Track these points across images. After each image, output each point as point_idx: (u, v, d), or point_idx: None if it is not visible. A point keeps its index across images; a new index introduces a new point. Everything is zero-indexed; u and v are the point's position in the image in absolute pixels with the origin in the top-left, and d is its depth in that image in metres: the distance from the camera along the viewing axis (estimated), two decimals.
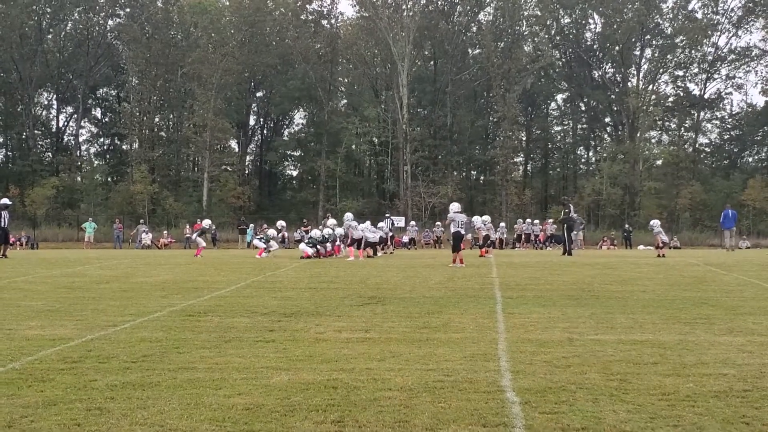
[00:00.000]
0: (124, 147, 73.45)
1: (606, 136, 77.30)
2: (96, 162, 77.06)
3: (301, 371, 8.54)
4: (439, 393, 7.55)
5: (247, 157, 78.41)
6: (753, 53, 71.12)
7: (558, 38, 73.87)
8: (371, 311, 13.66)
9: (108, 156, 77.75)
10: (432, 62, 73.14)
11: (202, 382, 8.03)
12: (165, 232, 53.42)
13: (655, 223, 30.87)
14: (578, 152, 79.52)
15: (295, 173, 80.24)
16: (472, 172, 77.16)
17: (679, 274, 21.05)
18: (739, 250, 42.49)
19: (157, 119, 72.37)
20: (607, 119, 76.26)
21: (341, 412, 6.87)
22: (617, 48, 70.56)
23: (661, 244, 30.26)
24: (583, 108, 76.83)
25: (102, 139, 78.62)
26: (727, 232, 41.82)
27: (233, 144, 74.45)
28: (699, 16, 69.65)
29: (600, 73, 74.35)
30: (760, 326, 11.91)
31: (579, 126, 78.04)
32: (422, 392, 7.58)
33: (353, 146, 71.81)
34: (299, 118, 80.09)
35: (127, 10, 70.66)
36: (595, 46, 74.35)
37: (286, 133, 79.84)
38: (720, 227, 43.74)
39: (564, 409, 6.94)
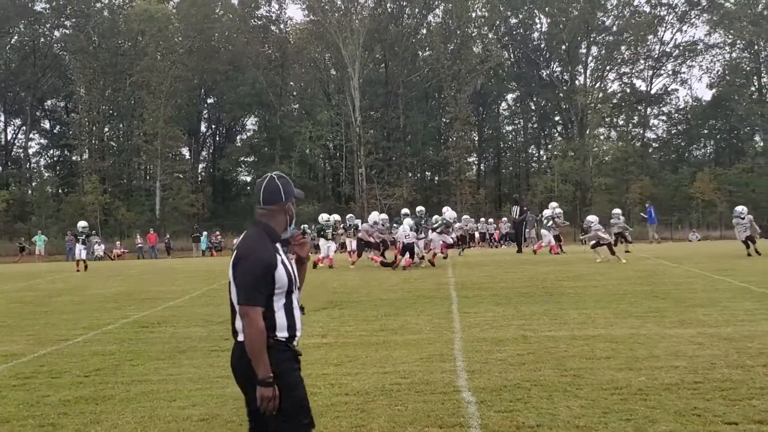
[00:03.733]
0: (74, 158, 72.44)
1: (556, 134, 78.02)
2: (46, 174, 75.97)
3: None
4: (395, 396, 7.58)
5: (200, 165, 77.87)
6: (698, 47, 72.26)
7: (506, 39, 74.35)
8: (328, 316, 13.66)
9: (58, 167, 76.68)
10: (383, 65, 73.19)
11: (156, 394, 7.98)
12: (118, 242, 52.83)
13: (593, 219, 27.12)
14: (530, 151, 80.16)
15: (248, 179, 79.78)
16: (427, 172, 77.36)
17: (630, 269, 21.30)
18: (659, 242, 43.77)
19: (106, 129, 71.47)
20: (557, 117, 76.98)
21: None
22: (564, 47, 71.25)
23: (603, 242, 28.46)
24: (533, 107, 77.50)
25: (51, 151, 77.51)
26: (651, 227, 43.51)
27: (185, 151, 73.83)
28: (647, 9, 70.61)
29: (548, 72, 75.05)
30: (710, 318, 12.10)
31: (530, 125, 78.69)
32: (379, 396, 7.60)
33: (307, 150, 71.54)
34: (251, 123, 79.77)
35: (73, 20, 69.71)
36: (542, 46, 75.02)
37: (238, 139, 79.42)
38: (646, 223, 45.26)
39: (519, 406, 7.01)
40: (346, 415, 6.96)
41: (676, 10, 70.68)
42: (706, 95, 74.42)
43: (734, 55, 72.79)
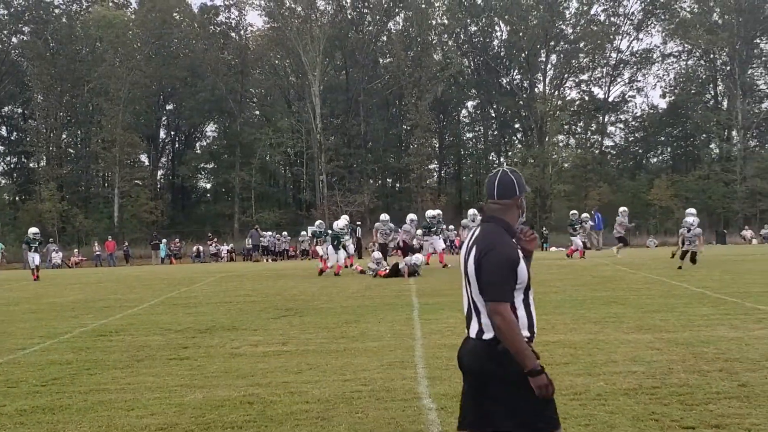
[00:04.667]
0: (31, 165, 71.51)
1: (516, 141, 78.47)
2: (3, 181, 74.94)
3: (216, 388, 8.46)
4: (356, 403, 7.56)
5: (159, 172, 77.20)
6: (654, 56, 73.22)
7: (466, 46, 74.69)
8: (288, 323, 13.60)
9: (15, 174, 75.60)
10: (343, 72, 73.22)
11: (113, 403, 7.88)
12: (76, 250, 52.25)
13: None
14: (490, 157, 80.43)
15: (208, 186, 79.38)
16: (388, 179, 77.45)
17: (589, 275, 21.47)
18: (601, 250, 44.21)
19: (64, 136, 70.70)
20: (517, 125, 77.44)
21: (257, 428, 6.83)
22: (523, 55, 71.76)
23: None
24: (493, 114, 77.86)
25: (8, 158, 76.44)
26: (595, 234, 44.13)
27: (144, 158, 73.26)
28: (602, 18, 71.28)
29: (508, 79, 75.49)
30: (667, 323, 12.22)
31: (490, 132, 79.04)
32: (339, 403, 7.58)
33: (267, 157, 71.35)
34: (211, 130, 79.31)
35: (32, 26, 68.83)
36: (502, 53, 75.41)
37: (198, 145, 78.91)
38: (593, 229, 45.89)
39: None
40: (306, 423, 6.93)
41: (633, 18, 71.47)
42: (663, 103, 75.30)
43: (690, 63, 73.81)
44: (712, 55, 71.65)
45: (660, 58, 73.32)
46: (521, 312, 4.28)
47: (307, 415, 7.17)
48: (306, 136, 67.55)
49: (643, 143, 77.02)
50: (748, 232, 53.40)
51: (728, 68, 70.68)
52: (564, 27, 71.65)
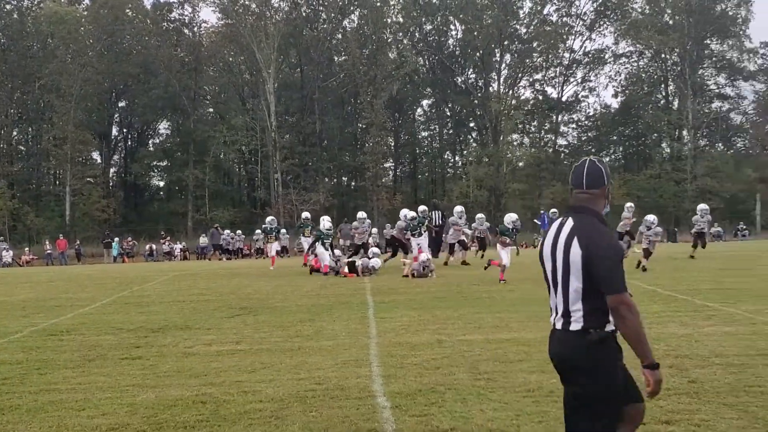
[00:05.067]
0: None
1: (471, 140, 78.79)
2: None
3: (168, 387, 8.38)
4: (310, 402, 7.55)
5: (111, 169, 76.22)
6: (606, 56, 73.97)
7: (421, 45, 74.85)
8: (242, 322, 13.52)
9: None
10: (298, 69, 72.95)
11: (64, 403, 7.78)
12: (26, 249, 51.44)
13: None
14: (445, 156, 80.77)
15: (161, 184, 78.58)
16: (343, 178, 77.28)
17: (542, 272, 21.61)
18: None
19: (15, 133, 69.62)
20: (472, 124, 77.77)
21: (210, 428, 6.78)
22: (478, 54, 72.09)
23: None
24: (449, 113, 78.09)
25: None
26: (543, 233, 44.80)
27: (96, 156, 72.25)
28: (554, 19, 71.87)
29: (463, 78, 75.77)
30: None
31: (445, 131, 79.29)
32: (293, 402, 7.55)
33: (221, 155, 70.81)
34: (164, 127, 78.49)
35: None
36: (457, 52, 75.71)
37: (151, 143, 78.12)
38: (540, 228, 46.51)
39: (434, 410, 7.04)
40: (259, 422, 6.90)
41: (585, 19, 72.13)
42: (615, 103, 76.13)
43: (641, 63, 74.74)
44: (663, 56, 72.64)
45: (612, 59, 74.16)
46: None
47: (260, 414, 7.13)
48: (260, 134, 67.16)
49: (596, 143, 77.75)
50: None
51: (679, 68, 71.68)
52: (518, 27, 72.10)
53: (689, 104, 69.42)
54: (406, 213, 26.99)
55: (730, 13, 70.87)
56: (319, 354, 10.17)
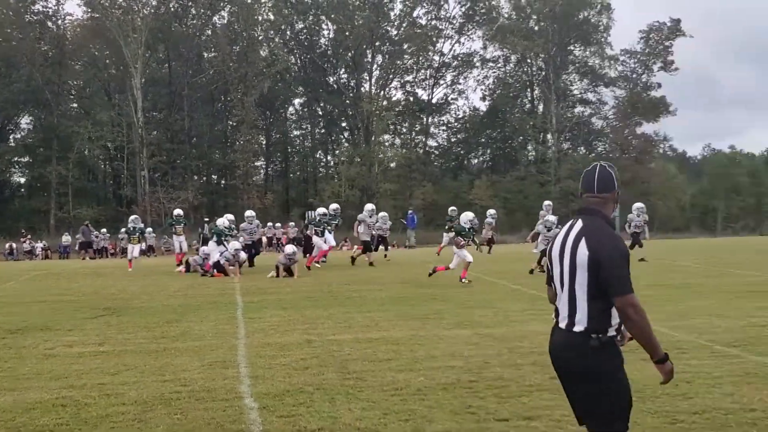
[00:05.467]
0: None
1: (343, 139, 78.96)
2: None
3: (28, 390, 8.07)
4: (175, 404, 7.39)
5: None
6: (474, 59, 75.33)
7: (293, 43, 74.57)
8: (106, 323, 13.15)
9: None
10: (167, 65, 71.48)
11: None
12: None
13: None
14: (317, 156, 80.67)
15: (23, 180, 75.57)
16: (213, 176, 76.13)
17: (413, 273, 21.86)
18: (414, 248, 45.52)
19: None
20: (344, 123, 77.94)
21: None
22: (350, 54, 72.35)
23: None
24: (321, 112, 78.05)
25: None
26: (411, 232, 45.58)
27: None
28: (423, 22, 72.71)
29: (335, 78, 75.90)
30: (485, 318, 12.62)
31: (317, 130, 79.23)
32: (158, 405, 7.39)
33: (86, 151, 68.65)
34: (26, 122, 75.42)
35: None
36: (329, 52, 75.74)
37: (11, 138, 74.97)
38: (408, 228, 47.38)
39: (302, 411, 7.01)
40: (122, 426, 6.72)
41: (454, 23, 73.33)
42: (483, 106, 77.69)
43: (508, 68, 76.54)
44: (528, 61, 74.66)
45: (480, 63, 75.59)
46: (614, 310, 4.30)
47: (123, 418, 6.94)
48: (127, 130, 65.51)
49: (465, 144, 79.20)
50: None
51: (543, 74, 73.85)
52: (389, 28, 72.68)
53: (553, 109, 71.59)
54: (371, 207, 26.91)
55: (593, 21, 73.46)
56: (186, 355, 9.98)
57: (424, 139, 77.52)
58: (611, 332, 4.32)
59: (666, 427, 6.36)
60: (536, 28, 72.88)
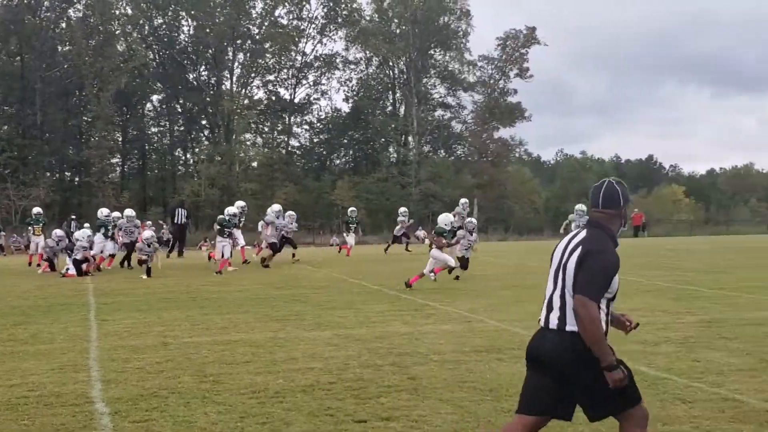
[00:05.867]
0: None
1: (203, 138, 77.65)
2: None
3: None
4: (22, 410, 7.10)
5: None
6: (337, 60, 75.42)
7: (151, 39, 72.79)
8: None
9: None
10: (18, 58, 68.59)
11: None
12: None
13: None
14: (176, 153, 79.03)
15: None
16: (66, 173, 73.53)
17: (274, 273, 21.74)
18: None
19: None
20: (204, 121, 76.61)
21: None
22: (210, 51, 71.21)
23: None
24: (180, 109, 76.48)
25: None
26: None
27: None
28: (285, 22, 72.34)
29: (195, 75, 74.56)
30: (345, 319, 12.65)
31: (176, 127, 77.58)
32: (4, 410, 7.08)
33: None
34: None
35: None
36: (189, 49, 74.31)
37: None
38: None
39: (155, 416, 6.84)
40: None
41: (316, 23, 73.30)
42: (346, 107, 77.90)
43: (371, 70, 77.05)
44: (390, 64, 75.37)
45: (342, 64, 75.77)
46: (602, 317, 4.55)
47: None
48: None
49: (327, 145, 79.23)
50: (421, 233, 56.52)
51: (405, 77, 74.72)
52: (251, 26, 71.94)
53: (414, 112, 72.50)
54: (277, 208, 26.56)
55: (452, 26, 74.72)
56: (35, 359, 9.59)
57: (286, 139, 77.10)
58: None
59: None
60: (398, 31, 73.61)
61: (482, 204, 71.38)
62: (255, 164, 73.10)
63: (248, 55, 72.40)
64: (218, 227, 23.11)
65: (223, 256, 22.67)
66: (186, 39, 73.91)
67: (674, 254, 17.68)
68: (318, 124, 78.48)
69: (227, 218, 23.59)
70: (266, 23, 71.10)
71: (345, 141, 79.37)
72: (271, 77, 74.21)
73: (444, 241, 18.63)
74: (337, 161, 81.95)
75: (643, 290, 16.95)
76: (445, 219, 19.37)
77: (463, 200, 28.16)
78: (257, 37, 71.67)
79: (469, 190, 70.89)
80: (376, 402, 7.20)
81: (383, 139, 76.67)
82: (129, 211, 25.93)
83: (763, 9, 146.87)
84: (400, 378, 8.20)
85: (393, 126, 73.21)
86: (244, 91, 72.53)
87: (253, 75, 73.20)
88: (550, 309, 4.74)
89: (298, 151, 79.28)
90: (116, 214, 25.24)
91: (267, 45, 71.41)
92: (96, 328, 12.09)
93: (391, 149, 78.13)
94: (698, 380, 8.00)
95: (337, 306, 14.42)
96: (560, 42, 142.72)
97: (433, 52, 75.54)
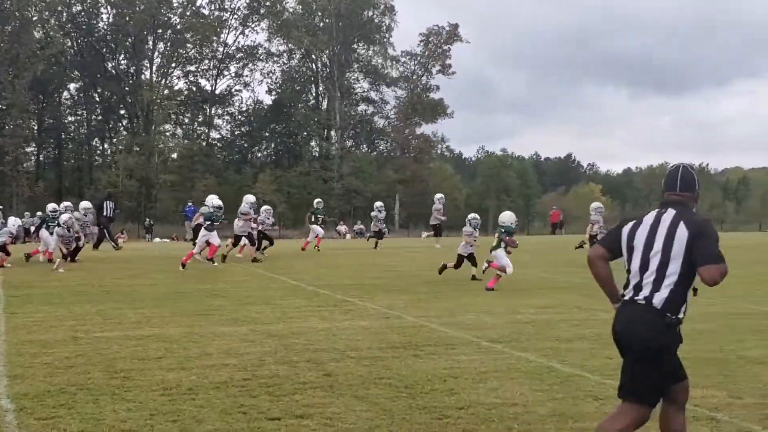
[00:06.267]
0: None
1: (122, 128, 76.22)
2: None
3: None
4: None
5: None
6: (259, 52, 74.72)
7: (69, 26, 71.05)
8: None
9: None
10: None
11: None
12: None
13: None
14: (94, 143, 77.44)
15: None
16: None
17: (191, 268, 21.42)
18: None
19: None
20: (123, 111, 75.13)
21: None
22: (130, 40, 69.84)
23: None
24: (98, 99, 74.88)
25: None
26: (189, 225, 45.58)
27: None
28: (206, 12, 71.45)
29: (114, 64, 73.07)
30: (262, 315, 12.53)
31: (94, 117, 75.92)
32: None
33: None
34: None
35: None
36: (108, 37, 72.77)
37: None
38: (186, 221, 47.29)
39: (62, 413, 6.65)
40: None
41: (239, 14, 72.54)
42: (268, 99, 77.25)
43: (294, 62, 76.51)
44: (313, 57, 75.01)
45: (265, 56, 75.08)
46: (686, 296, 4.86)
47: None
48: None
49: (249, 138, 78.58)
50: (342, 227, 56.59)
51: (328, 70, 74.51)
52: (171, 16, 70.78)
53: (337, 106, 72.41)
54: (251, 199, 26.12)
55: (376, 21, 74.79)
56: None
57: (207, 131, 76.23)
58: (681, 314, 4.80)
59: (433, 422, 6.49)
60: (321, 24, 73.38)
61: (404, 200, 71.70)
62: (174, 156, 72.06)
63: (169, 44, 71.31)
64: (207, 222, 22.21)
65: (208, 244, 22.05)
66: (105, 27, 72.44)
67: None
68: (240, 116, 77.84)
69: (212, 210, 22.73)
70: (188, 13, 70.08)
71: (267, 134, 78.84)
72: (192, 68, 73.26)
73: (517, 242, 17.52)
74: (259, 154, 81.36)
75: (559, 287, 17.21)
76: (510, 218, 17.65)
77: (438, 195, 29.86)
78: (178, 26, 70.61)
79: (392, 185, 71.20)
80: (291, 399, 7.12)
81: (305, 133, 76.32)
82: (85, 204, 26.04)
83: (680, 11, 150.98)
84: (316, 375, 8.14)
85: (316, 120, 72.90)
86: (164, 81, 71.46)
87: (173, 65, 72.19)
88: (638, 288, 4.89)
89: (219, 143, 78.49)
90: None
91: (188, 35, 70.36)
92: (4, 322, 11.76)
93: (313, 143, 77.93)
94: (610, 377, 8.09)
95: (254, 301, 14.26)
96: (483, 40, 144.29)
97: (356, 46, 75.51)
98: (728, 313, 12.83)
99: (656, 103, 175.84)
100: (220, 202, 23.48)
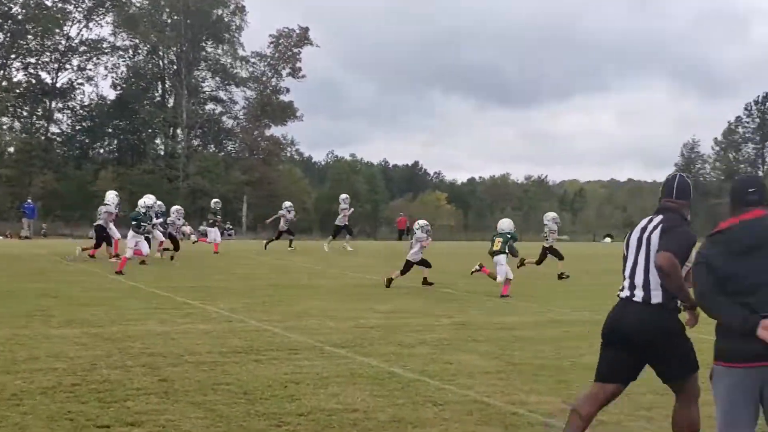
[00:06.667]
0: None
1: None
2: None
3: None
4: None
5: None
6: (104, 46, 72.28)
7: None
8: None
9: None
10: None
11: None
12: None
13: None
14: None
15: None
16: None
17: (24, 266, 20.50)
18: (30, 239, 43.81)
19: None
20: None
21: None
22: None
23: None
24: None
25: None
26: (26, 221, 45.20)
27: None
28: (49, 4, 68.65)
29: None
30: (97, 317, 12.06)
31: None
32: None
33: None
34: None
35: None
36: None
37: None
38: (24, 218, 45.82)
39: None
40: None
41: (83, 6, 70.06)
42: (112, 94, 74.72)
43: (140, 58, 74.47)
44: (160, 53, 73.30)
45: (110, 50, 72.73)
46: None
47: None
48: None
49: (90, 133, 75.94)
50: (187, 228, 55.38)
51: (175, 67, 72.98)
52: (12, 6, 67.63)
53: (184, 104, 70.98)
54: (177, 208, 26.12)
55: (226, 20, 73.73)
56: None
57: (46, 125, 73.13)
58: (679, 304, 5.24)
59: (272, 429, 6.36)
60: (169, 20, 71.84)
61: (252, 201, 71.04)
62: (11, 150, 68.95)
63: (8, 35, 68.08)
64: (133, 223, 21.10)
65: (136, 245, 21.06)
66: None
67: (432, 257, 18.29)
68: (81, 111, 74.92)
69: (143, 212, 21.62)
70: (30, 3, 67.12)
71: (110, 130, 76.29)
72: (33, 60, 70.17)
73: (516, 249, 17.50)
74: (101, 150, 78.72)
75: (402, 292, 17.36)
76: (510, 224, 17.72)
77: (343, 196, 30.78)
78: (19, 17, 67.51)
79: (239, 186, 70.40)
80: (122, 405, 6.83)
81: (150, 130, 74.49)
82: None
83: (523, 25, 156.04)
84: (151, 380, 7.85)
85: (162, 117, 71.12)
86: (2, 72, 68.25)
87: (12, 56, 68.97)
88: (633, 286, 5.30)
89: (58, 138, 75.38)
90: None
91: (29, 26, 67.40)
92: None
93: (158, 141, 76.17)
94: (450, 382, 8.18)
95: (89, 302, 13.73)
96: (333, 45, 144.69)
97: (205, 45, 74.26)
98: (570, 321, 13.28)
99: (500, 115, 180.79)
100: (150, 202, 22.50)
